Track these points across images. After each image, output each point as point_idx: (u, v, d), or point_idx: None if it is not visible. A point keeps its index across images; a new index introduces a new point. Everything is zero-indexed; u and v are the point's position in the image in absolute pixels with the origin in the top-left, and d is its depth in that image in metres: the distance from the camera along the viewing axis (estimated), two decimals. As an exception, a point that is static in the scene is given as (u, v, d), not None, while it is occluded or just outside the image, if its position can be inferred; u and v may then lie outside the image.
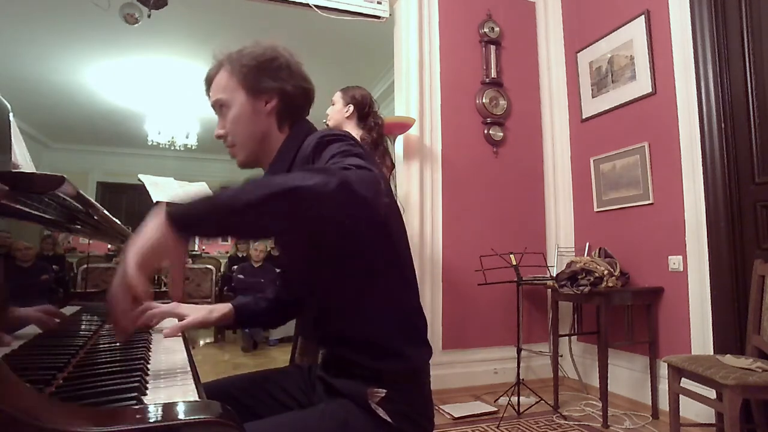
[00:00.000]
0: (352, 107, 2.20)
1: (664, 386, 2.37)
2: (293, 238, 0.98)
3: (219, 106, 1.00)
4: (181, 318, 1.09)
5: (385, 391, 0.90)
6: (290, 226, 0.74)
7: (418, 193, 3.14)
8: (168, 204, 0.69)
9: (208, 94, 1.02)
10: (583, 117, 3.31)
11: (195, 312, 1.09)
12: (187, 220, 0.68)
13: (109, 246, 1.69)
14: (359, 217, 0.74)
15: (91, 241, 1.39)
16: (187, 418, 0.52)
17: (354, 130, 2.16)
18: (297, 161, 0.95)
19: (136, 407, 0.55)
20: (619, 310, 2.81)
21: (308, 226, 0.74)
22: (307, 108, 1.04)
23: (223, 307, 1.13)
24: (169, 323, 1.11)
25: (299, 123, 1.03)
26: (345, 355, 0.96)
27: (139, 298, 0.68)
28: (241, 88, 0.97)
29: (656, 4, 2.76)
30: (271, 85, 0.97)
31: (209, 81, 1.02)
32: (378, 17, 3.29)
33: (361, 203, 0.71)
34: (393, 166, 2.39)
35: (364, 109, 2.21)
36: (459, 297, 3.16)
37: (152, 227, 0.67)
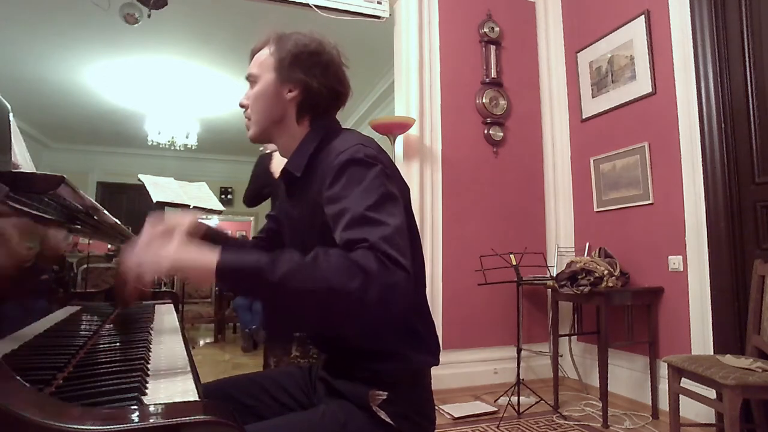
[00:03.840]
0: None
1: (664, 386, 2.37)
2: (301, 230, 0.98)
3: (250, 79, 1.03)
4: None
5: (386, 393, 0.90)
6: (316, 319, 0.78)
7: (418, 193, 3.14)
8: (223, 251, 0.74)
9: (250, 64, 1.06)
10: (583, 117, 3.31)
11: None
12: (230, 277, 0.74)
13: (109, 246, 1.69)
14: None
15: (91, 241, 1.38)
16: (187, 418, 0.52)
17: None
18: (319, 165, 0.95)
19: (136, 407, 0.55)
20: (619, 310, 2.81)
21: (331, 321, 0.78)
22: (333, 109, 1.05)
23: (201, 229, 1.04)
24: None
25: (321, 120, 1.03)
26: (346, 357, 0.96)
27: (144, 284, 0.75)
28: (273, 69, 0.99)
29: (656, 4, 2.76)
30: (298, 77, 0.98)
31: (253, 53, 1.05)
32: (378, 17, 3.29)
33: (388, 314, 0.77)
34: None
35: None
36: (459, 297, 3.16)
37: (202, 261, 0.74)
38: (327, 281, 0.72)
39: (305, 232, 0.98)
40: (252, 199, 2.87)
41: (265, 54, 1.01)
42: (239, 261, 0.74)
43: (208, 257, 0.73)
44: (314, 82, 0.98)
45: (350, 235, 0.79)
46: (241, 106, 1.05)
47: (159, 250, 0.75)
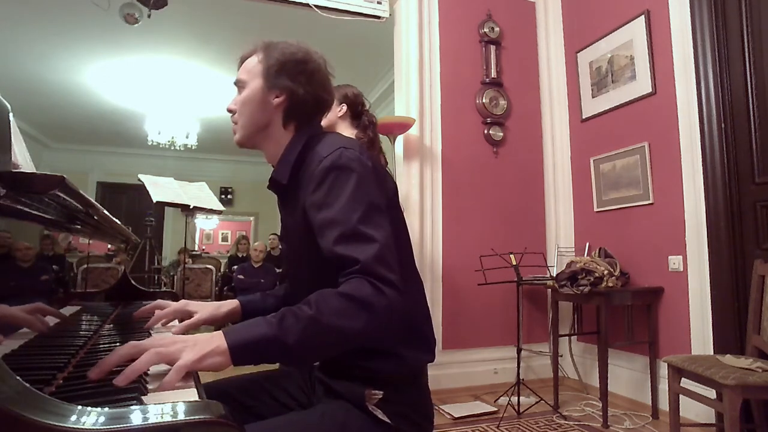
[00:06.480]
0: (345, 106, 2.04)
1: (664, 386, 2.37)
2: (296, 239, 0.99)
3: (239, 84, 1.06)
4: (189, 316, 1.08)
5: (382, 392, 0.91)
6: (329, 354, 0.90)
7: (418, 193, 3.14)
8: (226, 332, 0.74)
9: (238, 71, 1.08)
10: (583, 117, 3.32)
11: (203, 309, 1.09)
12: (247, 354, 0.74)
13: (109, 246, 1.69)
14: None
15: (91, 241, 1.39)
16: (188, 418, 0.52)
17: (348, 130, 2.08)
18: (303, 172, 0.97)
19: (137, 407, 0.55)
20: (619, 310, 2.81)
21: (342, 350, 0.85)
22: (317, 116, 1.07)
23: (231, 303, 1.13)
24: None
25: (306, 127, 1.05)
26: (342, 357, 0.96)
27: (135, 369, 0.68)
28: (260, 76, 1.02)
29: (656, 4, 2.76)
30: (285, 84, 1.00)
31: (242, 60, 1.07)
32: (378, 17, 3.29)
33: (387, 331, 0.83)
34: (386, 163, 2.33)
35: (357, 108, 2.09)
36: (459, 297, 3.16)
37: (214, 350, 0.72)
38: (337, 330, 0.77)
39: (302, 241, 0.97)
40: None
41: (254, 61, 1.04)
42: (246, 336, 0.74)
43: (217, 343, 0.72)
44: (300, 89, 1.01)
45: (342, 251, 0.83)
46: (229, 110, 1.06)
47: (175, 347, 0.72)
